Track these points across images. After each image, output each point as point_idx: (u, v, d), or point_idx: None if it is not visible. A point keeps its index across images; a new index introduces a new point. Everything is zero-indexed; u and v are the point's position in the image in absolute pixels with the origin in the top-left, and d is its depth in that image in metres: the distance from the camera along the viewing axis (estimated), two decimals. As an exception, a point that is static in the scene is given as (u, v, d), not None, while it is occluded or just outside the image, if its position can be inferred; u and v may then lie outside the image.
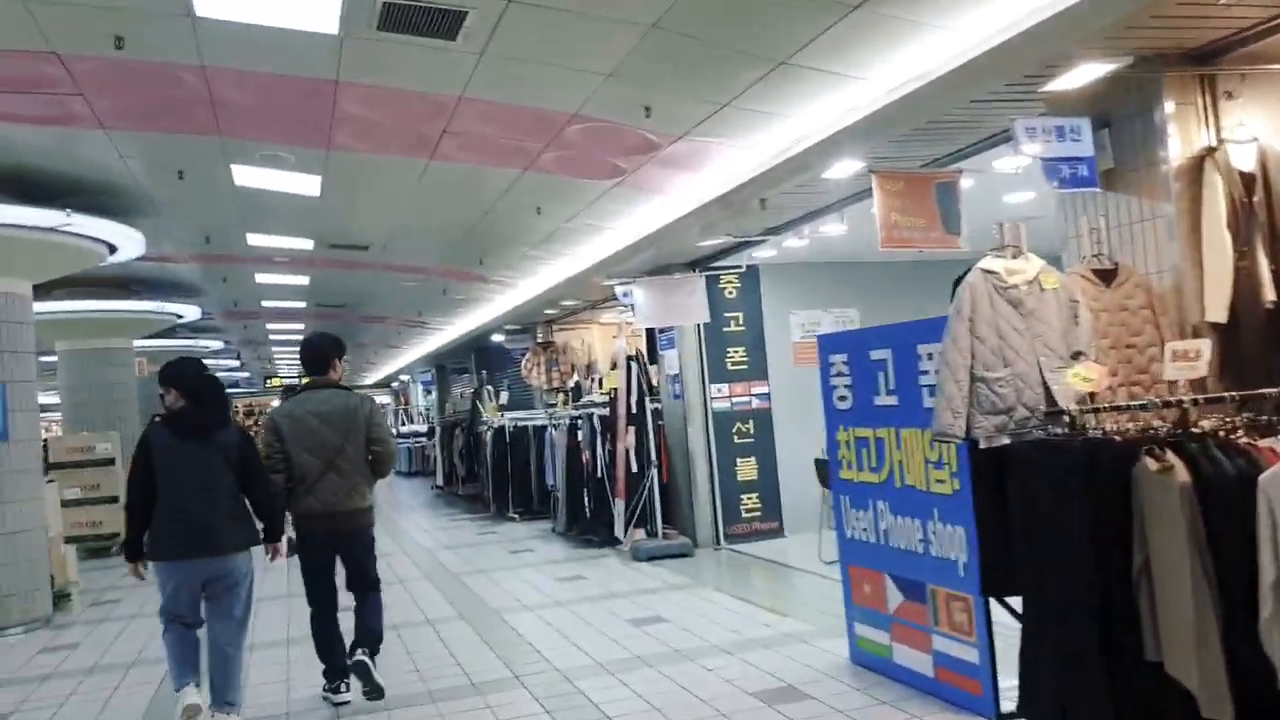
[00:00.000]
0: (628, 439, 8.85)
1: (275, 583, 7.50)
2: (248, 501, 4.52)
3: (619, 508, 8.87)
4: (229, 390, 27.45)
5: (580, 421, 9.67)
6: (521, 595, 7.43)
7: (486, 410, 13.63)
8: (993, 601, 4.00)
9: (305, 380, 5.23)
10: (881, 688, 4.48)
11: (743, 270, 9.36)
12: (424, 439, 24.30)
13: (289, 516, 4.78)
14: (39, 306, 10.63)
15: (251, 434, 5.02)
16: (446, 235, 9.66)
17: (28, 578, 7.06)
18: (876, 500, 4.71)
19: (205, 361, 5.54)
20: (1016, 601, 3.87)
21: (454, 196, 8.13)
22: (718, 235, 8.03)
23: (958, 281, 4.00)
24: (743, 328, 9.47)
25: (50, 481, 8.15)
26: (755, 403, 9.47)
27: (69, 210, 6.60)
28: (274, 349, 23.46)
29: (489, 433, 12.84)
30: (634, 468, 8.87)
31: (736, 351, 9.45)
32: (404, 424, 28.81)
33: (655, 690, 4.72)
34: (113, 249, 8.32)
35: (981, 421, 3.75)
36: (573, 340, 14.51)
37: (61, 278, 9.92)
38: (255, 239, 9.65)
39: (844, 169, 5.86)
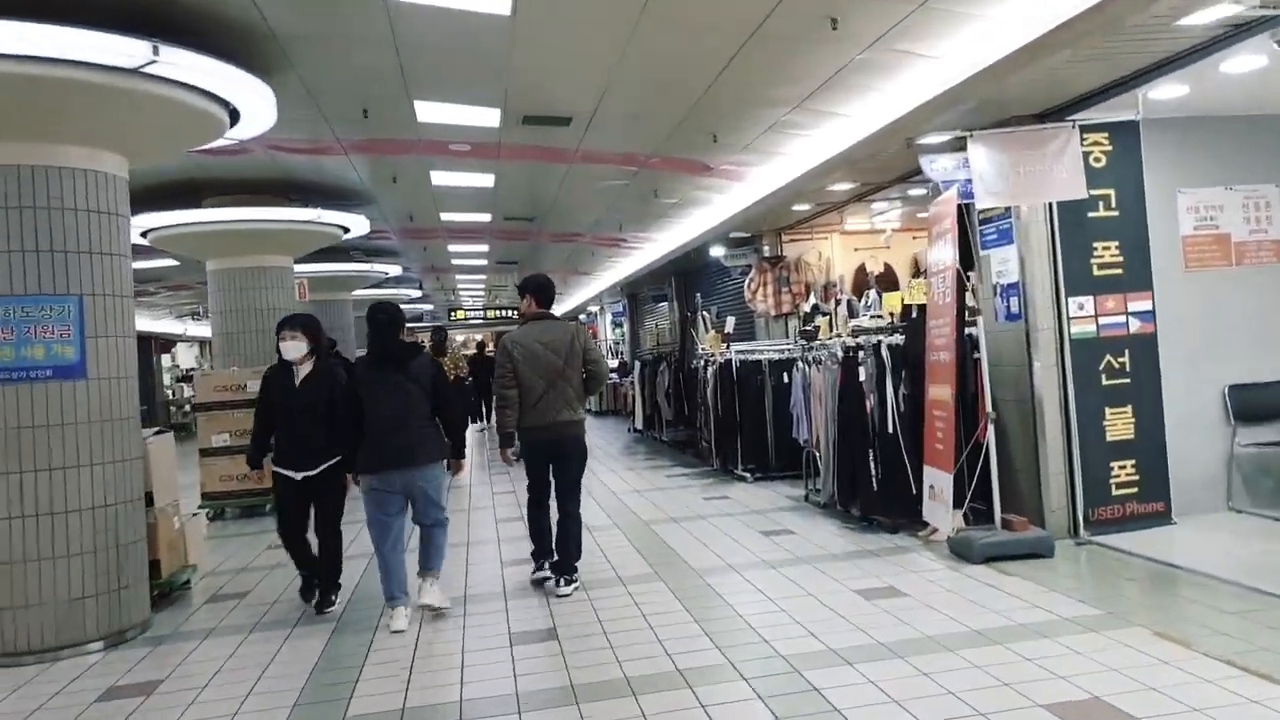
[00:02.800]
0: (946, 380, 5.95)
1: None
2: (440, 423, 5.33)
3: (938, 480, 6.01)
4: (411, 324, 26.53)
5: (863, 354, 6.84)
6: (810, 619, 4.80)
7: (704, 341, 10.99)
8: None
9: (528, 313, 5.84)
10: None
11: (1117, 126, 6.16)
12: (615, 375, 22.20)
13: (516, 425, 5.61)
14: (176, 217, 9.26)
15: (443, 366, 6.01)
16: (671, 100, 6.96)
17: (114, 571, 5.10)
18: None
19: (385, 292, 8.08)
20: None
21: (684, 38, 5.46)
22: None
23: None
24: (1115, 212, 6.30)
25: (159, 433, 6.16)
26: (1134, 325, 6.32)
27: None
28: (458, 277, 21.80)
29: (709, 369, 10.23)
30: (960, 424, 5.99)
31: (1106, 249, 6.30)
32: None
33: None
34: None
35: None
36: (808, 254, 11.60)
37: (207, 181, 8.60)
38: (426, 110, 7.30)
39: None
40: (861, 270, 11.82)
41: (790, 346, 9.67)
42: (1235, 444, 6.48)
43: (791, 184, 8.26)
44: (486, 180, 10.08)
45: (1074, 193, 5.77)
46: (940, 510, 5.92)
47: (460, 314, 28.34)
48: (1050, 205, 6.21)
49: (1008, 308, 6.45)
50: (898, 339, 6.84)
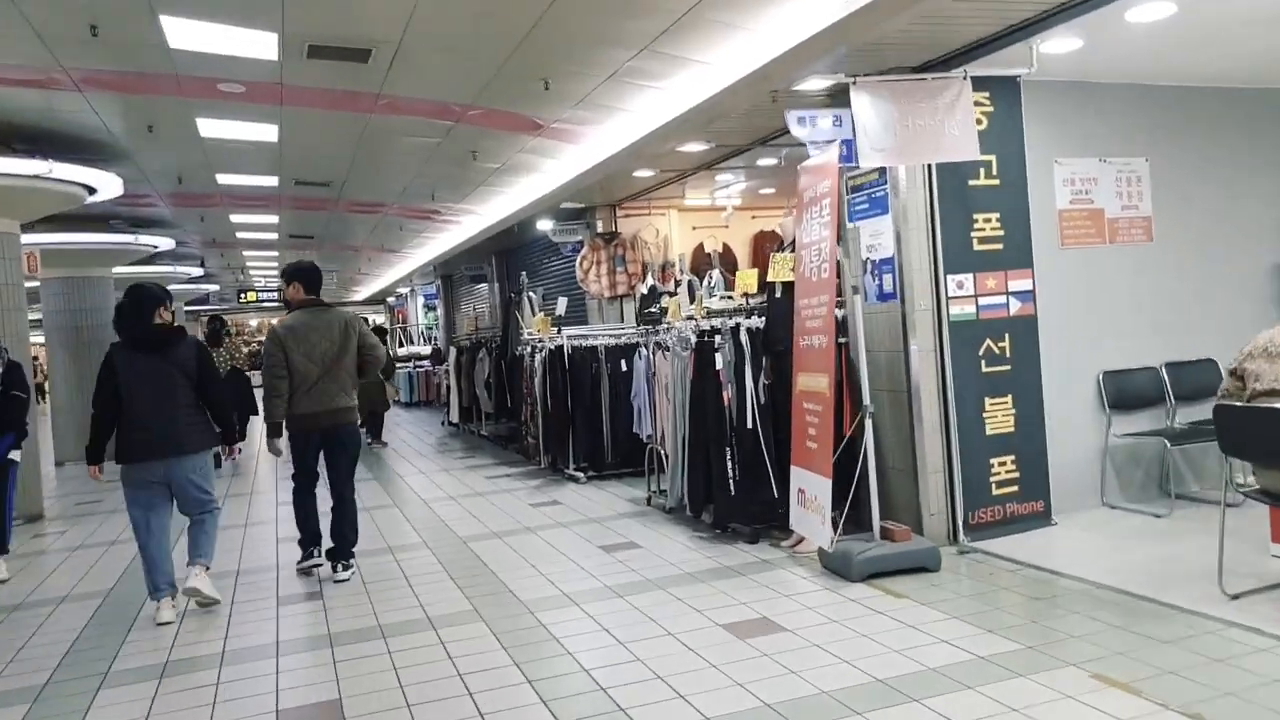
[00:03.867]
0: (822, 368, 5.09)
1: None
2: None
3: (811, 485, 5.14)
4: (194, 305, 23.61)
5: (720, 339, 5.90)
6: (674, 671, 3.79)
7: (530, 325, 9.82)
8: None
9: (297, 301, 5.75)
10: None
11: (999, 84, 5.51)
12: (428, 363, 20.58)
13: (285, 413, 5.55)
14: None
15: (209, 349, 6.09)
16: (493, 34, 5.76)
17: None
18: None
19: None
20: None
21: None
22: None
23: None
24: (996, 181, 5.66)
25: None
26: (1014, 306, 5.71)
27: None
28: (245, 254, 19.49)
29: (537, 356, 9.08)
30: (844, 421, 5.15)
31: (987, 222, 5.65)
32: (401, 345, 24.89)
33: None
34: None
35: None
36: (644, 231, 10.65)
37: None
38: (178, 30, 5.73)
39: None
40: (700, 250, 11.02)
41: (630, 331, 8.67)
42: (1110, 434, 6.03)
43: (636, 144, 7.22)
44: (269, 133, 8.46)
45: (966, 152, 5.04)
46: (814, 521, 5.07)
47: (252, 296, 25.67)
48: (929, 171, 5.49)
49: (880, 286, 5.70)
50: (757, 322, 5.96)
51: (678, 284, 9.25)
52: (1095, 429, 6.03)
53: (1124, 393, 6.08)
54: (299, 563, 5.84)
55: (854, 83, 4.88)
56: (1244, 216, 6.49)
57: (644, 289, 10.13)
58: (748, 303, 6.64)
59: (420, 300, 25.08)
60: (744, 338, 5.88)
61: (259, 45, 6.00)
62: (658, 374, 7.00)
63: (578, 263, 10.45)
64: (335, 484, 5.73)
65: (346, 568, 5.64)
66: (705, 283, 9.49)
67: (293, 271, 5.82)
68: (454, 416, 13.82)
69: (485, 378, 11.95)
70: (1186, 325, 6.29)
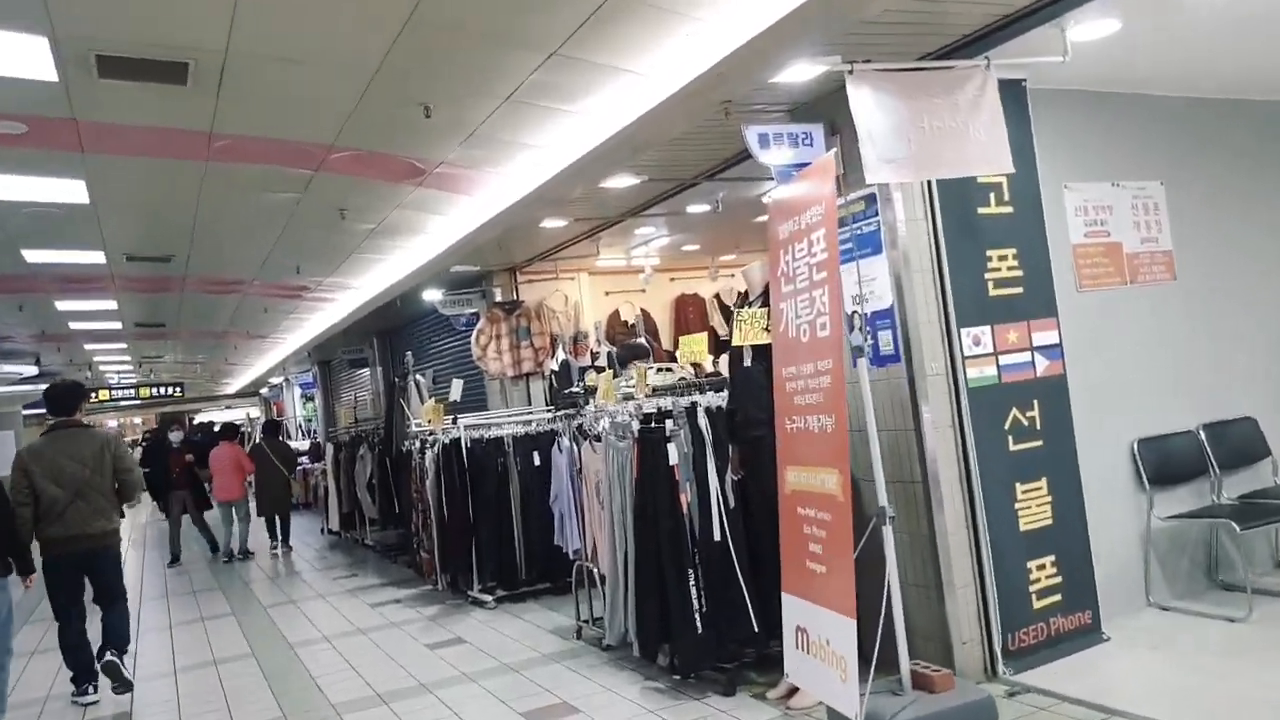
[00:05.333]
0: (829, 460, 3.71)
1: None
2: None
3: (822, 625, 3.68)
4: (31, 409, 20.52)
5: (672, 423, 4.48)
6: None
7: (419, 414, 8.20)
8: None
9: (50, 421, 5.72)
10: None
11: (1004, 87, 4.39)
12: (305, 459, 18.43)
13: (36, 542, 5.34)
14: None
15: None
16: (350, 41, 4.34)
17: None
18: None
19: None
20: None
21: None
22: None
23: None
24: (1009, 209, 4.51)
25: None
26: (1040, 365, 4.52)
27: None
28: (88, 347, 17.18)
29: (428, 452, 7.47)
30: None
31: (1003, 260, 4.47)
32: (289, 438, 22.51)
33: None
34: None
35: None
36: (551, 299, 9.24)
37: None
38: None
39: None
40: (615, 317, 9.68)
41: (543, 415, 7.16)
42: (1153, 516, 4.86)
43: (546, 185, 5.82)
44: (75, 191, 6.73)
45: (997, 162, 3.85)
46: (827, 676, 3.61)
47: (104, 395, 22.96)
48: (929, 197, 4.30)
49: (875, 346, 4.42)
50: (719, 399, 4.59)
51: (595, 356, 7.85)
52: (1134, 511, 4.86)
53: (1164, 464, 4.94)
54: (74, 694, 5.64)
55: (850, 72, 3.64)
56: (1271, 246, 5.55)
57: (554, 365, 8.69)
58: (696, 376, 5.29)
59: (297, 391, 22.90)
60: (703, 421, 4.49)
61: (27, 57, 4.41)
62: (585, 470, 5.53)
63: (474, 338, 8.94)
64: (102, 602, 5.70)
65: (122, 652, 5.65)
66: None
67: (44, 393, 5.85)
68: (333, 524, 11.91)
69: (368, 478, 10.18)
70: (1219, 377, 5.26)
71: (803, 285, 3.78)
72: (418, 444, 7.86)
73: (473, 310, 9.32)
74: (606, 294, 9.89)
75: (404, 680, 5.32)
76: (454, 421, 7.33)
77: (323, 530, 12.91)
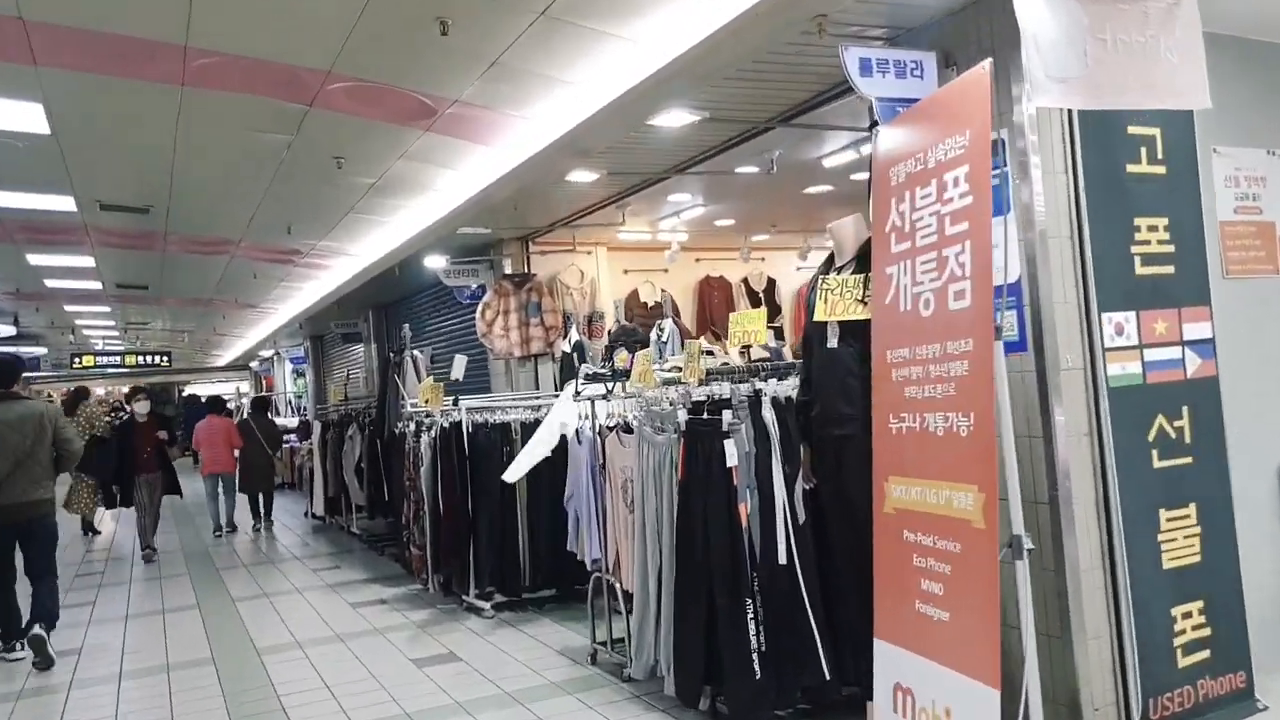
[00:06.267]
0: (965, 475, 2.84)
1: None
2: None
3: (940, 689, 2.81)
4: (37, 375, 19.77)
5: (731, 415, 3.60)
6: None
7: (415, 393, 7.31)
8: None
9: None
10: None
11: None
12: (293, 437, 17.55)
13: None
14: None
15: None
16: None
17: None
18: None
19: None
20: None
21: None
22: None
23: None
24: (1160, 168, 3.63)
25: None
26: (1192, 363, 3.65)
27: None
28: (69, 308, 16.27)
29: (424, 435, 6.58)
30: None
31: (1153, 231, 3.59)
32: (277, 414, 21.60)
33: None
34: None
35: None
36: (565, 274, 8.37)
37: None
38: None
39: None
40: (635, 297, 8.81)
41: (557, 400, 6.27)
42: (1307, 561, 4.00)
43: (583, 126, 4.90)
44: (33, 116, 5.84)
45: (1191, 95, 2.99)
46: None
47: (89, 360, 22.04)
48: (1070, 144, 3.43)
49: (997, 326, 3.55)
50: (789, 387, 3.72)
51: (615, 345, 6.94)
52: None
53: (1320, 491, 4.07)
54: (1, 652, 5.72)
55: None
56: None
57: (567, 346, 7.81)
58: (747, 359, 4.41)
59: (288, 365, 22.00)
60: (768, 415, 3.62)
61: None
62: (609, 466, 4.66)
63: (479, 312, 8.05)
64: (31, 573, 5.75)
65: (49, 628, 5.68)
66: (656, 337, 7.25)
67: None
68: (318, 508, 11.03)
69: (356, 461, 9.30)
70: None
71: (926, 241, 2.91)
72: (412, 426, 6.98)
73: (479, 282, 8.44)
74: (625, 272, 9.02)
75: (384, 708, 4.45)
76: (454, 403, 6.45)
77: (306, 514, 12.02)
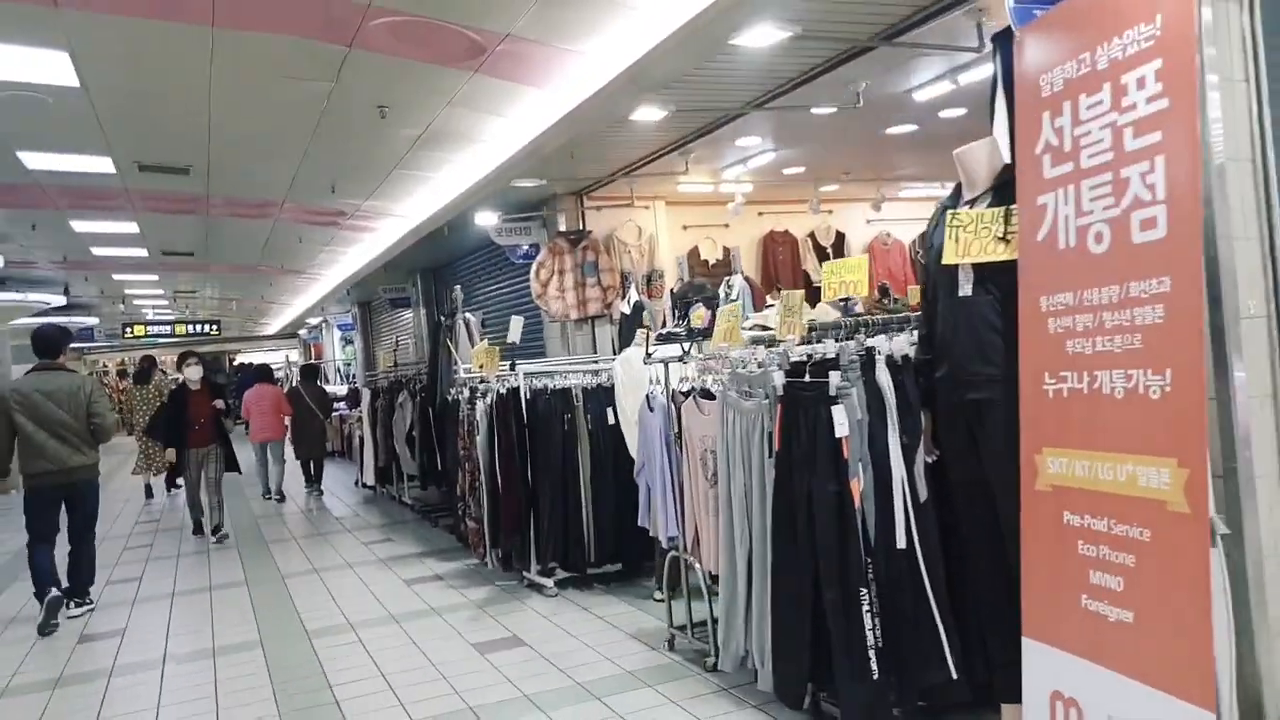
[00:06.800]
0: (1164, 446, 2.33)
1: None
2: None
3: (1118, 706, 2.33)
4: (90, 347, 20.28)
5: (841, 377, 3.11)
6: None
7: (468, 358, 6.91)
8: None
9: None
10: None
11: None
12: (343, 405, 17.39)
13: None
14: None
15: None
16: None
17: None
18: None
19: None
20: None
21: None
22: None
23: None
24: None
25: None
26: (1392, 312, 3.05)
27: None
28: (117, 277, 16.19)
29: (481, 402, 6.18)
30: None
31: (1348, 150, 3.00)
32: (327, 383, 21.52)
33: None
34: None
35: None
36: (622, 230, 7.88)
37: None
38: None
39: None
40: (695, 255, 8.30)
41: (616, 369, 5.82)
42: None
43: (652, 53, 4.39)
44: (60, 68, 5.47)
45: None
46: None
47: (140, 330, 22.12)
48: (1252, 49, 2.85)
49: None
50: (905, 344, 3.22)
51: (690, 300, 6.45)
52: None
53: None
54: (40, 615, 5.76)
55: None
56: None
57: (626, 308, 7.34)
58: (846, 310, 3.91)
59: (336, 333, 21.86)
60: (884, 378, 3.12)
61: None
62: (687, 436, 4.20)
63: (533, 272, 7.61)
64: (73, 536, 6.06)
65: (80, 604, 6.04)
66: (724, 293, 6.75)
67: (32, 334, 6.15)
68: (368, 478, 10.76)
69: (408, 429, 8.98)
70: None
71: (1098, 161, 2.38)
72: (466, 393, 6.59)
73: (532, 241, 7.99)
74: (685, 228, 8.51)
75: (445, 701, 4.08)
76: (511, 368, 6.03)
77: (357, 483, 11.78)
